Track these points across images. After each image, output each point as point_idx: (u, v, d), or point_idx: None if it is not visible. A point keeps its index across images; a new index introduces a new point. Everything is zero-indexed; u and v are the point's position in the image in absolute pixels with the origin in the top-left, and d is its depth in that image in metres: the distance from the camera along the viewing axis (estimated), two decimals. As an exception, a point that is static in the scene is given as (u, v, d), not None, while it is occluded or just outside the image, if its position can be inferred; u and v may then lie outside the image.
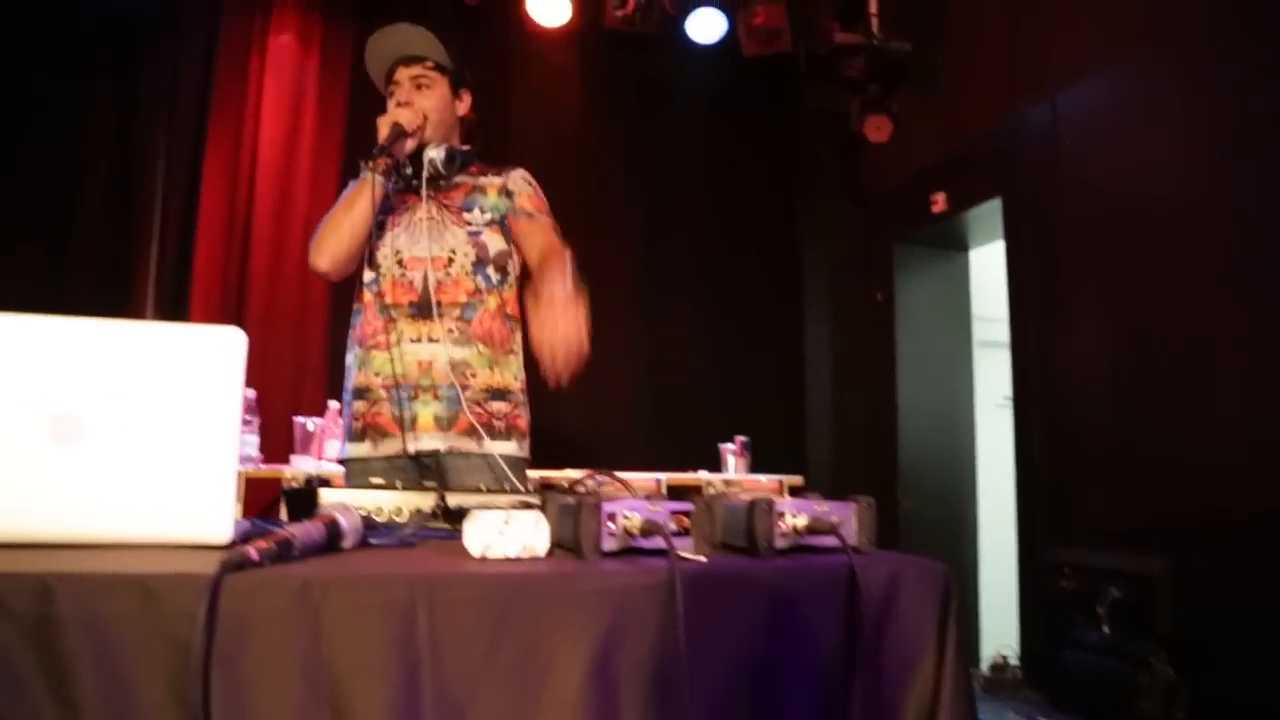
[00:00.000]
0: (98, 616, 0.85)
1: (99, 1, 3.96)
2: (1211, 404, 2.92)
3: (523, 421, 2.11)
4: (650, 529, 1.11)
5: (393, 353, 1.99)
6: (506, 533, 1.10)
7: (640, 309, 4.82)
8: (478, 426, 1.99)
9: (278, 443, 3.44)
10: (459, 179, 2.14)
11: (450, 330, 2.01)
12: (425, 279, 2.03)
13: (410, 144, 2.04)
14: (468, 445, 2.00)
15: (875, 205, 5.06)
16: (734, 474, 4.03)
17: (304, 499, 1.36)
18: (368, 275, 2.09)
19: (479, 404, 2.01)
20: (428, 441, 1.98)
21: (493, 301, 2.08)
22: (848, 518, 1.22)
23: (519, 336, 2.14)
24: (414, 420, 1.98)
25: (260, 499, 3.14)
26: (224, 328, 1.16)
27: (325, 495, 1.37)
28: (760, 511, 1.15)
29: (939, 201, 4.42)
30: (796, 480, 3.90)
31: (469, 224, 2.09)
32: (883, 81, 4.60)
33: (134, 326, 1.15)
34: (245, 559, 0.92)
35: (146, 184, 4.10)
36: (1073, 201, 3.59)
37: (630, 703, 0.98)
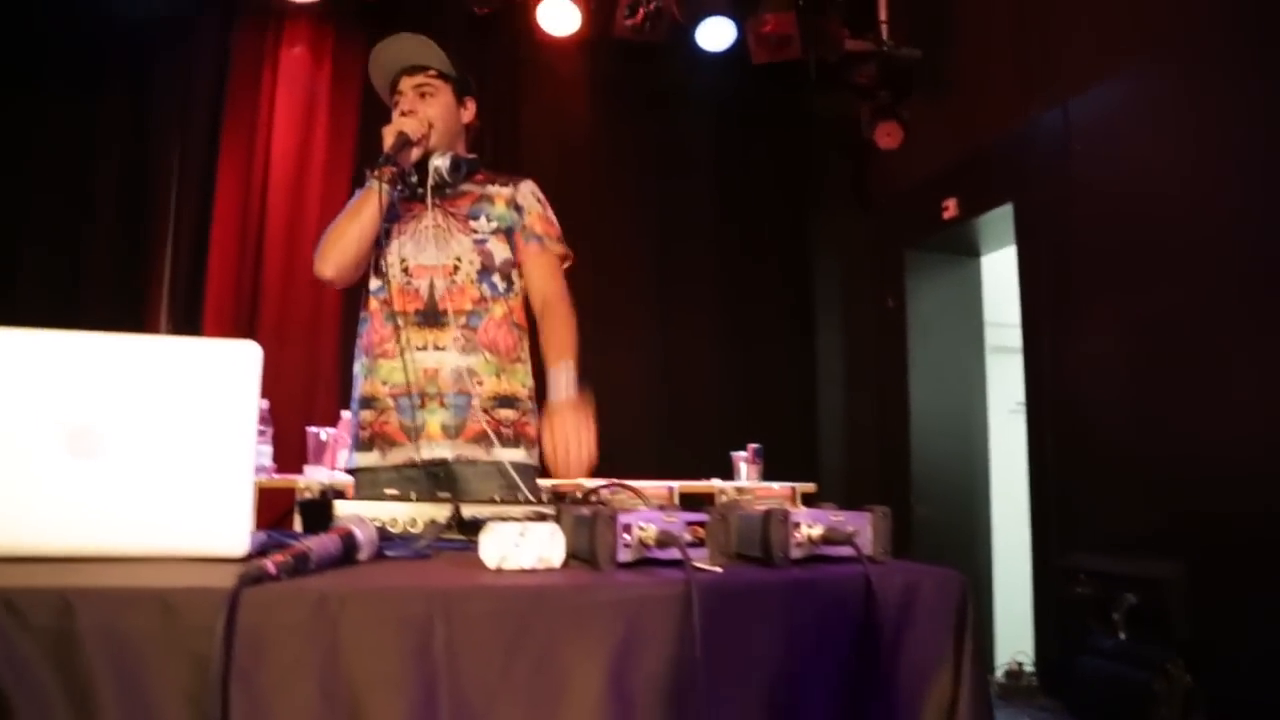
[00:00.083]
0: (117, 631, 0.86)
1: (112, 16, 4.00)
2: (1226, 407, 2.90)
3: (531, 429, 2.09)
4: (665, 540, 1.11)
5: (396, 361, 1.99)
6: (522, 544, 1.10)
7: (652, 317, 4.83)
8: (489, 433, 1.99)
9: (291, 452, 3.45)
10: (465, 187, 2.14)
11: (457, 338, 2.02)
12: (431, 287, 2.03)
13: (415, 152, 2.04)
14: (476, 453, 1.99)
15: (886, 211, 5.06)
16: (746, 481, 4.03)
17: (319, 510, 1.36)
18: (374, 283, 2.09)
19: (487, 411, 2.01)
20: (435, 450, 1.98)
21: (499, 310, 2.08)
22: (863, 527, 1.21)
23: (526, 344, 2.14)
24: (421, 429, 1.97)
25: (274, 509, 3.15)
26: (240, 341, 1.17)
27: (340, 506, 1.37)
28: (775, 522, 1.14)
29: (950, 207, 4.42)
30: (809, 487, 3.89)
31: (475, 232, 2.09)
32: (893, 88, 4.60)
33: (150, 341, 1.15)
34: (263, 573, 0.92)
35: (160, 195, 4.14)
36: (1084, 206, 3.58)
37: (647, 714, 0.98)
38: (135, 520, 1.08)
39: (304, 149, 4.38)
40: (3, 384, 1.08)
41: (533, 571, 1.09)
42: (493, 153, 4.22)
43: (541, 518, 1.38)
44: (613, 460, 3.91)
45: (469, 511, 1.40)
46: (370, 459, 2.03)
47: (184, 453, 1.11)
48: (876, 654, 1.08)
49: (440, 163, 2.07)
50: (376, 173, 1.97)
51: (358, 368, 2.11)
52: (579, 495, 1.51)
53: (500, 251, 2.12)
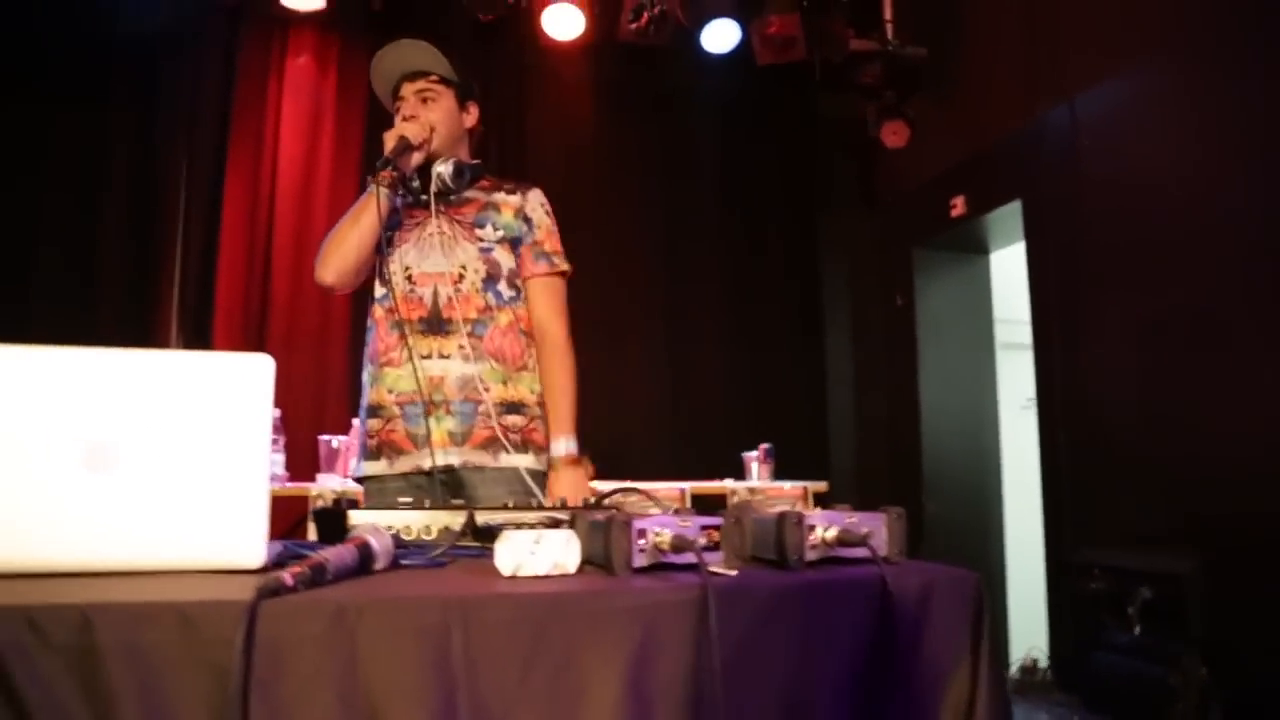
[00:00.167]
0: (137, 645, 0.86)
1: (118, 28, 4.02)
2: (1239, 401, 2.89)
3: (539, 435, 2.09)
4: (680, 544, 1.11)
5: (402, 369, 1.99)
6: (537, 551, 1.11)
7: (660, 319, 4.84)
8: (500, 438, 1.99)
9: (303, 460, 3.47)
10: (470, 193, 2.13)
11: (462, 346, 2.01)
12: (435, 295, 2.03)
13: (417, 157, 2.03)
14: (483, 459, 1.99)
15: (894, 210, 5.05)
16: (758, 481, 4.03)
17: (334, 519, 1.37)
18: (379, 291, 2.09)
19: (494, 418, 2.00)
20: (442, 457, 1.97)
21: (504, 318, 2.08)
22: (878, 528, 1.21)
23: (534, 351, 2.13)
24: (428, 436, 1.97)
25: (286, 517, 3.16)
26: (253, 355, 1.17)
27: (355, 515, 1.38)
28: (790, 525, 1.14)
29: (958, 205, 4.41)
30: (821, 486, 3.88)
31: (481, 240, 2.08)
32: (899, 87, 4.60)
33: (164, 356, 1.16)
34: (280, 585, 0.92)
35: (168, 205, 4.16)
36: (1093, 202, 3.57)
37: (665, 718, 0.98)
38: (152, 534, 1.09)
39: (310, 157, 4.40)
40: (21, 401, 1.09)
41: (548, 578, 1.09)
42: (498, 159, 4.24)
43: (555, 523, 1.38)
44: (623, 462, 3.95)
45: (483, 518, 1.40)
46: (378, 467, 2.03)
47: (199, 466, 1.11)
48: (893, 655, 1.08)
49: (443, 169, 2.06)
50: (374, 177, 1.97)
51: (365, 376, 2.11)
52: (593, 500, 1.51)
53: (506, 261, 2.11)
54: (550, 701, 0.95)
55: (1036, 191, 3.93)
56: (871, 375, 5.05)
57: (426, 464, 1.96)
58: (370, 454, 2.05)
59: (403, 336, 2.01)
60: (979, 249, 4.76)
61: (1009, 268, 4.54)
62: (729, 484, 3.95)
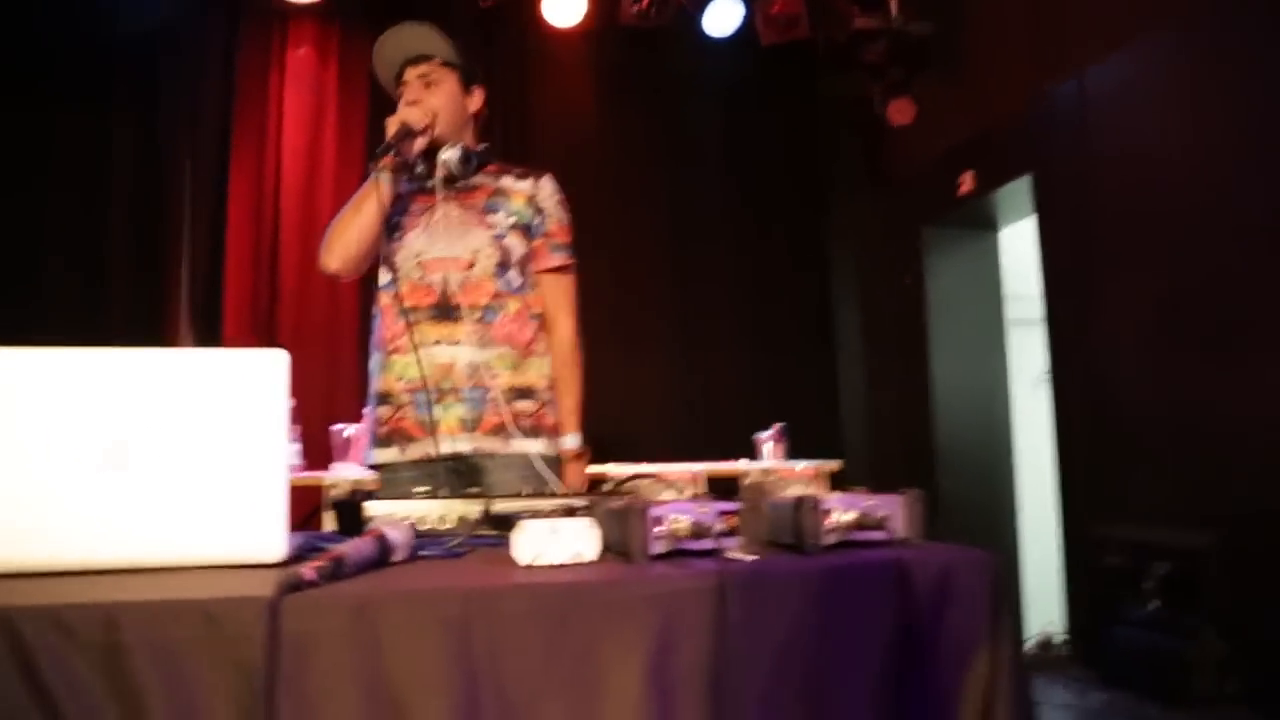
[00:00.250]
0: (163, 643, 0.87)
1: (117, 25, 4.01)
2: (1254, 373, 2.87)
3: (549, 419, 2.08)
4: (698, 531, 1.11)
5: (410, 356, 1.97)
6: (555, 540, 1.11)
7: (669, 302, 4.84)
8: (508, 424, 1.98)
9: (316, 449, 3.48)
10: (478, 179, 2.11)
11: (471, 332, 1.99)
12: (445, 281, 2.01)
13: (421, 142, 2.00)
14: (494, 445, 1.98)
15: (902, 189, 5.02)
16: (772, 462, 4.03)
17: (351, 511, 1.37)
18: (384, 277, 2.06)
19: (503, 404, 1.99)
20: (453, 444, 1.96)
21: (514, 305, 2.06)
22: (895, 511, 1.21)
23: (544, 336, 2.12)
24: (438, 424, 1.96)
25: (303, 506, 3.18)
26: (267, 350, 1.18)
27: (372, 505, 1.38)
28: (807, 509, 1.15)
29: (966, 182, 4.38)
30: (834, 466, 3.88)
31: (492, 226, 2.06)
32: (904, 64, 4.55)
33: (180, 354, 1.17)
34: (302, 580, 0.93)
35: (174, 200, 4.17)
36: (1104, 176, 3.54)
37: (686, 705, 0.98)
38: (174, 531, 1.10)
39: (314, 149, 4.39)
40: (42, 403, 1.09)
41: (567, 567, 1.09)
42: (502, 144, 4.23)
43: (571, 511, 1.39)
44: (636, 445, 3.96)
45: (499, 507, 1.41)
46: (389, 455, 2.02)
47: (218, 462, 1.12)
48: (913, 639, 1.08)
49: (449, 155, 2.03)
50: (377, 163, 1.95)
51: (373, 364, 2.09)
52: (609, 486, 1.51)
53: (518, 247, 2.09)
54: (572, 689, 0.95)
55: (1046, 167, 3.90)
56: (883, 354, 5.04)
57: (438, 451, 1.95)
58: (381, 442, 2.04)
59: (413, 323, 1.99)
60: (988, 225, 4.73)
61: (1018, 244, 4.52)
62: (742, 465, 3.95)
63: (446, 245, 2.03)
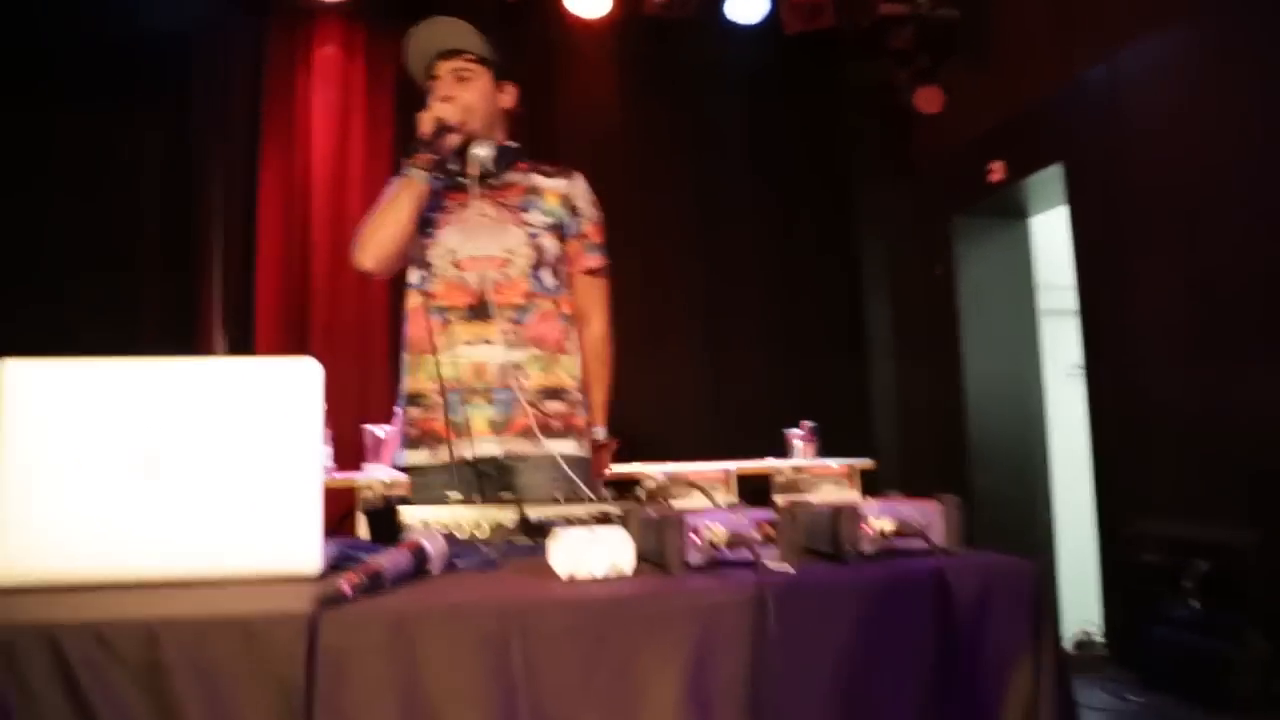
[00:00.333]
0: (203, 659, 0.87)
1: (146, 30, 4.04)
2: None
3: (580, 420, 2.07)
4: (735, 540, 1.10)
5: (441, 356, 1.95)
6: (592, 550, 1.10)
7: (697, 296, 4.81)
8: (534, 427, 1.96)
9: (348, 449, 3.50)
10: (510, 176, 2.09)
11: (505, 331, 1.98)
12: (481, 279, 1.99)
13: (455, 139, 1.99)
14: (524, 447, 1.97)
15: (930, 178, 4.96)
16: (803, 459, 4.00)
17: (384, 518, 1.37)
18: (414, 276, 2.05)
19: (534, 405, 1.98)
20: (484, 446, 1.95)
21: (546, 305, 2.05)
22: (934, 518, 1.20)
23: (574, 335, 2.11)
24: (468, 424, 1.95)
25: (336, 507, 3.20)
26: (300, 359, 1.18)
27: (405, 511, 1.38)
28: (846, 518, 1.13)
29: (996, 170, 4.31)
30: (867, 464, 3.83)
31: (528, 224, 2.05)
32: (931, 51, 4.50)
33: (212, 364, 1.17)
34: (339, 594, 0.93)
35: (205, 203, 4.20)
36: (1137, 162, 3.47)
37: (725, 718, 0.98)
38: (210, 542, 1.10)
39: (342, 147, 4.41)
40: (76, 414, 1.10)
41: (605, 580, 1.08)
42: (528, 139, 4.21)
43: (606, 517, 1.38)
44: (665, 442, 3.94)
45: (534, 513, 1.40)
46: (420, 457, 2.00)
47: (253, 473, 1.12)
48: (954, 651, 1.06)
49: (483, 152, 2.02)
50: (413, 160, 1.94)
51: (403, 363, 2.08)
52: (642, 493, 1.50)
53: (552, 247, 2.08)
54: (610, 704, 0.95)
55: (1078, 153, 3.84)
56: (914, 346, 4.99)
57: (469, 454, 1.94)
58: (411, 443, 2.03)
59: (445, 323, 1.98)
60: (1019, 214, 4.67)
61: (1050, 231, 4.45)
62: (772, 463, 3.92)
63: (482, 243, 2.02)
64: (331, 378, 1.21)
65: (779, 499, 1.67)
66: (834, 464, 3.88)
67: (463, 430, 1.95)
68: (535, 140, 4.33)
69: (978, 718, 1.06)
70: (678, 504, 1.50)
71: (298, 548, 1.11)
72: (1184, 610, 2.90)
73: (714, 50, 4.76)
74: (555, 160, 2.22)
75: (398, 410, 2.13)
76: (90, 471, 1.09)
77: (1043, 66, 4.04)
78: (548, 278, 2.07)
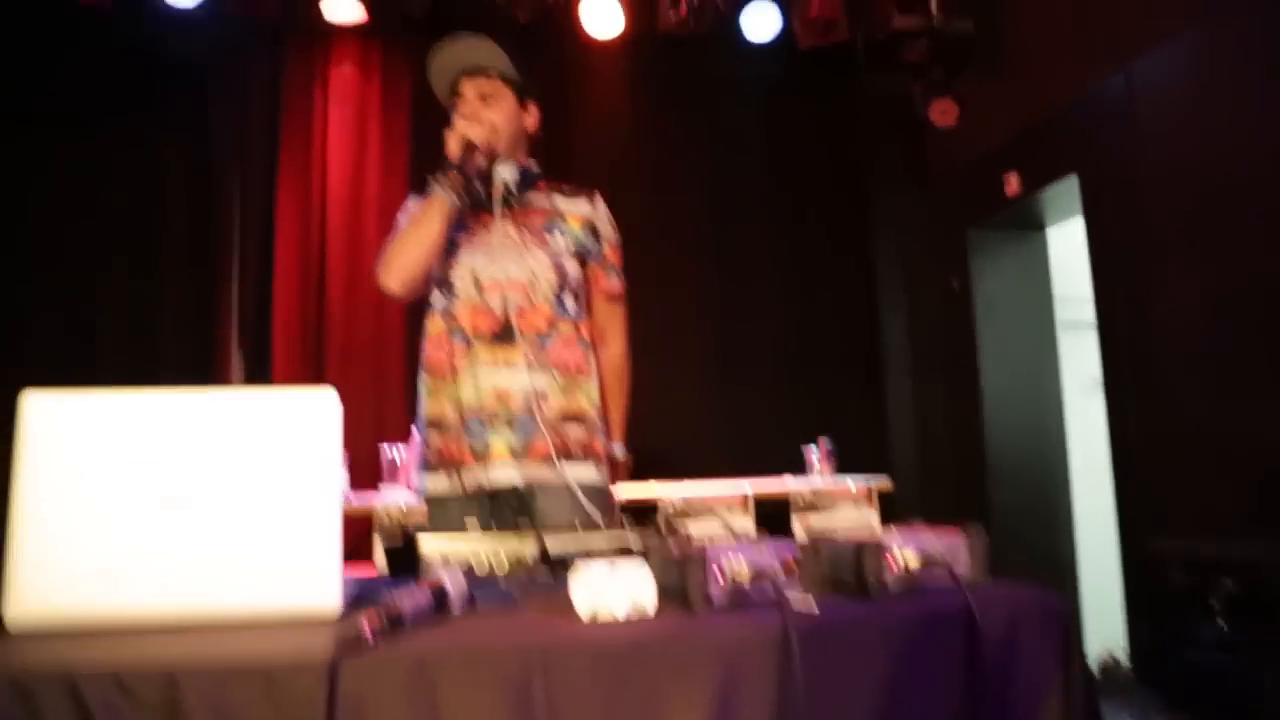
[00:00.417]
0: (223, 706, 0.87)
1: (163, 52, 4.08)
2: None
3: (599, 445, 2.05)
4: (758, 575, 1.09)
5: (463, 380, 1.95)
6: (613, 586, 1.09)
7: (712, 312, 4.79)
8: (553, 453, 1.94)
9: (364, 470, 3.50)
10: (532, 198, 2.09)
11: (526, 355, 1.96)
12: (505, 302, 1.98)
13: (481, 159, 1.98)
14: (544, 474, 1.95)
15: (945, 191, 4.94)
16: (819, 478, 3.97)
17: (403, 555, 1.37)
18: (436, 298, 2.04)
19: (554, 430, 1.97)
20: (503, 471, 1.93)
21: (568, 329, 2.04)
22: (958, 549, 1.18)
23: (593, 359, 2.10)
24: (488, 450, 1.94)
25: (351, 534, 3.18)
26: (317, 389, 1.18)
27: (424, 543, 1.37)
28: (870, 555, 1.11)
29: (1012, 182, 4.29)
30: (884, 483, 3.80)
31: (551, 247, 2.04)
32: (946, 64, 4.48)
33: (230, 395, 1.16)
34: (360, 640, 0.92)
35: (223, 224, 4.22)
36: (1155, 172, 3.44)
37: (750, 760, 0.96)
38: (231, 581, 1.09)
39: (359, 166, 4.43)
40: (98, 448, 1.10)
41: (627, 622, 1.07)
42: (545, 156, 4.21)
43: (627, 551, 1.37)
44: (681, 459, 3.92)
45: (553, 546, 1.39)
46: (439, 483, 1.99)
47: (274, 509, 1.12)
48: (982, 688, 1.04)
49: (507, 175, 2.01)
50: (442, 180, 1.92)
51: (421, 386, 2.06)
52: (660, 525, 1.48)
53: (575, 271, 2.08)
54: (634, 747, 0.93)
55: (1094, 165, 3.81)
56: (930, 360, 4.95)
57: (487, 480, 1.93)
58: (430, 468, 2.01)
59: (468, 347, 1.97)
60: (1035, 225, 4.63)
61: (1067, 243, 4.42)
62: (789, 482, 3.90)
63: (505, 265, 2.00)
64: (347, 396, 1.20)
65: (798, 522, 1.65)
66: (852, 485, 3.85)
67: (482, 456, 1.94)
68: (551, 158, 4.32)
69: (1008, 757, 1.04)
70: (696, 530, 1.49)
71: (318, 586, 1.11)
72: (1212, 631, 2.85)
73: (728, 66, 4.76)
74: (570, 178, 2.21)
75: (415, 431, 2.12)
76: (108, 507, 1.09)
77: (1057, 78, 4.02)
78: (570, 302, 2.06)
